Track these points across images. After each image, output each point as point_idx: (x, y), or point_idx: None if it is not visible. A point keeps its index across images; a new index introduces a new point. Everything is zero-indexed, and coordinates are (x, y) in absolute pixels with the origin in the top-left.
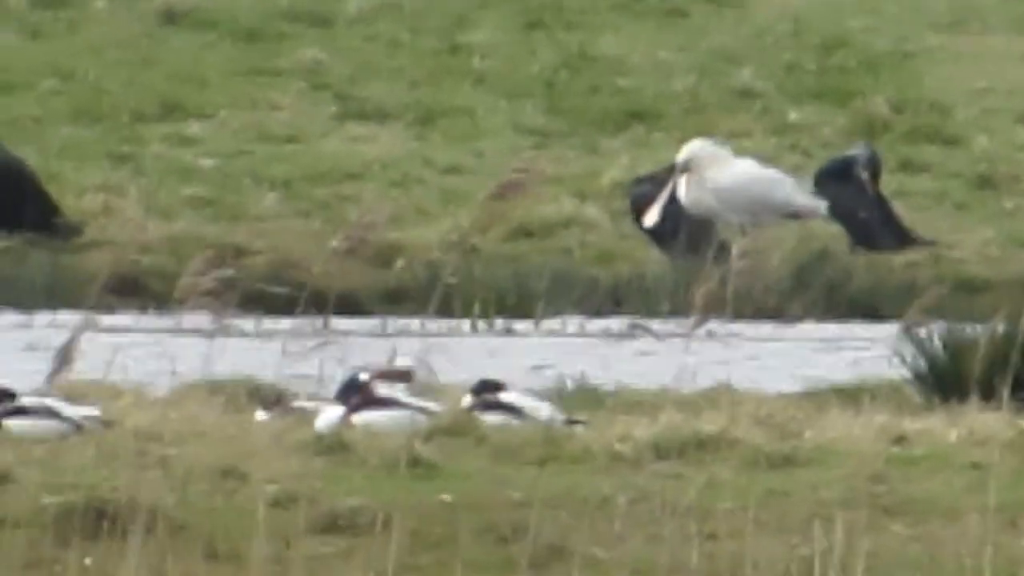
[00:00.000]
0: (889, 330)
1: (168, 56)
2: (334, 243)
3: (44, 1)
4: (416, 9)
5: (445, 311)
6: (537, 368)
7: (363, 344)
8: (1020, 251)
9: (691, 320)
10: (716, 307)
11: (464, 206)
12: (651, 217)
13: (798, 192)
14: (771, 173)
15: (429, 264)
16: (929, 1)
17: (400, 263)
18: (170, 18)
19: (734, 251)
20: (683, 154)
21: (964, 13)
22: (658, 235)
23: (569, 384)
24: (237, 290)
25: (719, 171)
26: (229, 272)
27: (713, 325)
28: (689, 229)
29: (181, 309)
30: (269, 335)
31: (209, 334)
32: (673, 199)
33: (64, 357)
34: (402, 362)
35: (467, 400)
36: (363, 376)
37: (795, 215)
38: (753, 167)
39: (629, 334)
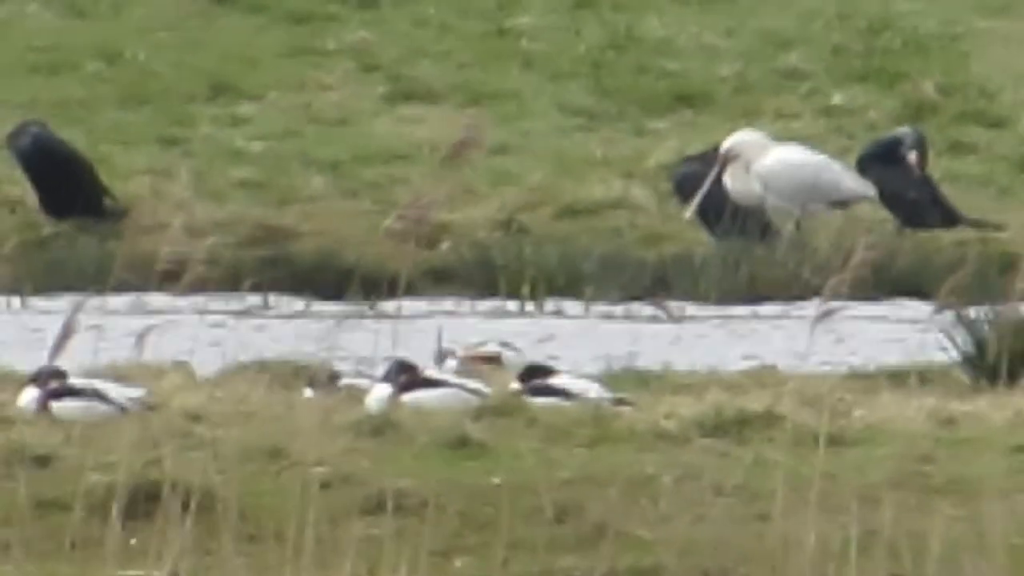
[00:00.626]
0: (936, 311)
1: (217, 38)
2: (388, 223)
3: None
4: None
5: (493, 292)
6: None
7: (409, 325)
8: None
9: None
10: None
11: (512, 187)
12: (691, 208)
13: (847, 176)
14: (819, 158)
15: (477, 245)
16: None
17: (445, 244)
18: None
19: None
20: (727, 144)
21: None
22: (704, 217)
23: (616, 365)
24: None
25: (765, 158)
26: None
27: (758, 307)
28: (734, 211)
29: (172, 287)
30: (317, 316)
31: (257, 315)
32: (717, 184)
33: (64, 333)
34: (490, 345)
35: (515, 384)
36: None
37: (844, 200)
38: (800, 152)
39: (664, 317)
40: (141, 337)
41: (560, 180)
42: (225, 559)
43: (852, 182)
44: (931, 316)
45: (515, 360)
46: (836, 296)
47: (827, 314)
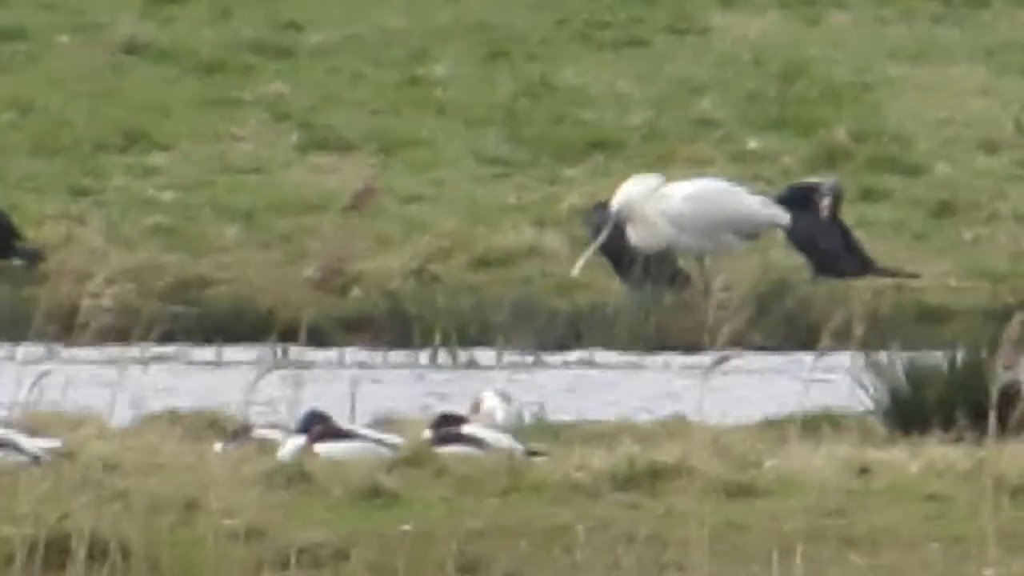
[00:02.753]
0: (849, 360)
1: (130, 88)
2: (307, 273)
3: (1, 33)
4: (377, 41)
5: (406, 341)
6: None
7: (321, 375)
8: (979, 281)
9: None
10: (735, 342)
11: (425, 235)
12: (577, 267)
13: (756, 202)
14: (724, 184)
15: (389, 294)
16: (890, 32)
17: (355, 292)
18: (132, 50)
19: (715, 284)
20: (616, 207)
21: (925, 44)
22: (616, 264)
23: (527, 416)
24: (142, 313)
25: (664, 198)
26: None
27: (669, 357)
28: (645, 259)
29: (85, 336)
30: (230, 365)
31: (169, 363)
32: (622, 235)
33: None
34: (487, 395)
35: (427, 434)
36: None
37: (756, 227)
38: (704, 184)
39: (588, 363)
40: (36, 383)
41: (473, 228)
42: None
43: (762, 208)
44: (813, 363)
45: (501, 410)
46: (735, 345)
47: (720, 363)
